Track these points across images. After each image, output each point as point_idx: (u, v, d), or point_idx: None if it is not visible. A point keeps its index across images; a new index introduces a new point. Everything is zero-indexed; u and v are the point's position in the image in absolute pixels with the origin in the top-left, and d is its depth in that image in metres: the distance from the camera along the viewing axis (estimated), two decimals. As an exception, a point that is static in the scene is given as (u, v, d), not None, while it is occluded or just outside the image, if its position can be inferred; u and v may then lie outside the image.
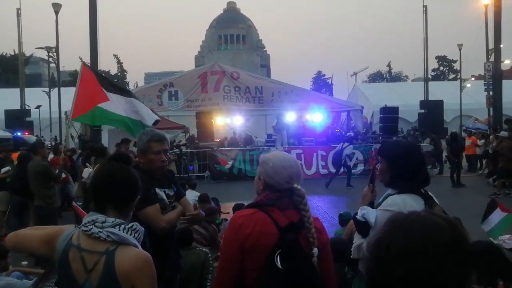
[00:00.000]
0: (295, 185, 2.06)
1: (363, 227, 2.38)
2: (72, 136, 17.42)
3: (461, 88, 31.24)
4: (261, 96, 22.55)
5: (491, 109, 22.71)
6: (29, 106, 26.41)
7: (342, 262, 3.34)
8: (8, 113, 22.86)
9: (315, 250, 2.00)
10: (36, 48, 28.44)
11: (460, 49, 32.52)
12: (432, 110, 22.28)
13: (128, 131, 7.50)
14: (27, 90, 28.09)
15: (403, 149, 2.55)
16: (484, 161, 16.78)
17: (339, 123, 23.27)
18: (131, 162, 1.87)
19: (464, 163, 16.11)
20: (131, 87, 62.61)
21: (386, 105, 20.21)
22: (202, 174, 16.40)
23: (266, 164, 2.11)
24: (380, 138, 18.40)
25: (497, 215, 6.42)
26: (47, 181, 6.93)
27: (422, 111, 23.02)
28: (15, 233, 2.00)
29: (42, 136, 25.01)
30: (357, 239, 2.44)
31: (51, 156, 9.18)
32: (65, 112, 20.52)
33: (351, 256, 2.51)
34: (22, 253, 2.83)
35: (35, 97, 29.16)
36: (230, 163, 16.32)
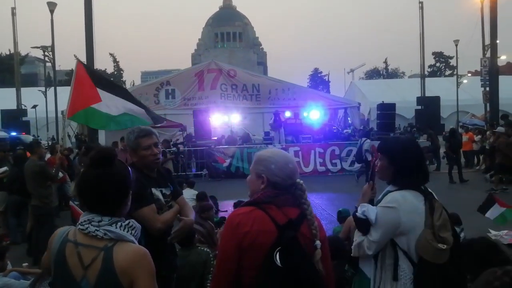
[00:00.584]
0: (297, 180, 2.08)
1: (364, 224, 2.37)
2: (69, 136, 17.38)
3: (458, 84, 31.32)
4: (258, 94, 22.53)
5: (487, 104, 22.78)
6: (25, 106, 26.31)
7: (339, 260, 3.33)
8: (5, 113, 22.78)
9: (318, 242, 2.00)
10: (32, 47, 28.31)
11: (456, 45, 32.60)
12: (429, 106, 22.36)
13: (121, 129, 7.46)
14: (23, 89, 27.97)
15: (403, 145, 2.53)
16: (481, 157, 16.81)
17: (336, 120, 23.28)
18: (113, 158, 1.79)
19: (461, 159, 16.14)
20: (127, 85, 62.43)
21: (383, 101, 20.26)
22: (200, 172, 16.39)
23: (267, 161, 2.09)
24: (375, 135, 18.41)
25: (496, 210, 6.44)
26: (44, 181, 6.90)
27: (419, 107, 23.09)
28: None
29: (39, 136, 24.90)
30: (358, 237, 2.42)
31: (48, 155, 9.14)
32: (62, 112, 20.45)
33: (351, 254, 2.49)
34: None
35: (31, 96, 29.03)
36: (228, 161, 16.30)
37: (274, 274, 1.84)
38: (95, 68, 16.48)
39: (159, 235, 2.86)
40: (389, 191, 2.43)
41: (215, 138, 18.73)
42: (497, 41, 20.62)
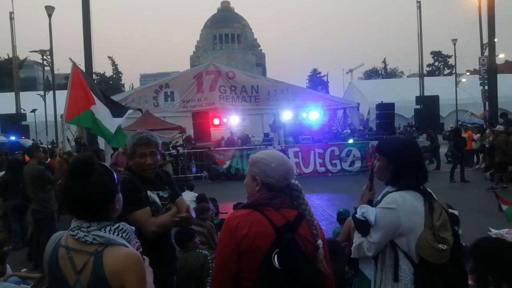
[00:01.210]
0: (293, 181, 2.07)
1: (363, 226, 2.36)
2: (68, 139, 17.36)
3: (457, 83, 31.35)
4: (257, 95, 22.54)
5: (486, 103, 22.78)
6: (24, 110, 26.30)
7: (335, 261, 3.33)
8: (4, 117, 22.73)
9: (320, 241, 2.00)
10: (30, 52, 28.39)
11: (454, 44, 32.63)
12: (428, 105, 22.35)
13: (104, 138, 7.54)
14: (22, 94, 27.97)
15: (401, 145, 2.52)
16: (480, 156, 16.81)
17: (336, 121, 23.30)
18: (92, 165, 1.76)
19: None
20: (126, 88, 62.49)
21: (382, 101, 20.24)
22: (199, 174, 16.38)
23: (260, 163, 2.08)
24: (373, 134, 18.43)
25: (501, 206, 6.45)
26: (43, 185, 6.89)
27: (418, 106, 23.08)
28: None
29: (39, 140, 24.88)
30: (357, 238, 2.41)
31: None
32: (61, 115, 20.45)
33: (351, 256, 2.48)
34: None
35: (30, 100, 29.06)
36: (228, 163, 16.30)
37: (273, 276, 1.83)
38: (93, 71, 16.48)
39: (153, 238, 2.83)
40: (388, 192, 2.42)
41: (215, 140, 18.73)
42: (495, 40, 20.61)
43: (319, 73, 79.76)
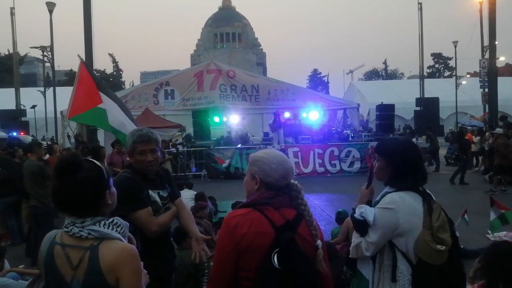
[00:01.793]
0: (292, 181, 2.06)
1: (362, 226, 2.36)
2: (68, 136, 17.36)
3: (457, 85, 31.32)
4: (257, 95, 22.52)
5: (486, 106, 22.78)
6: (24, 106, 26.30)
7: (331, 264, 3.34)
8: (3, 113, 22.74)
9: (319, 242, 2.00)
10: (31, 48, 28.33)
11: (455, 46, 32.62)
12: (428, 107, 22.36)
13: (115, 135, 7.47)
14: (22, 90, 27.96)
15: (401, 146, 2.53)
16: (480, 158, 16.82)
17: (336, 121, 23.28)
18: (78, 163, 1.74)
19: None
20: (127, 86, 62.49)
21: (382, 102, 20.24)
22: (199, 173, 16.38)
23: (260, 162, 2.07)
24: (373, 135, 18.44)
25: (494, 212, 6.45)
26: (42, 181, 6.89)
27: (418, 108, 23.08)
28: None
29: (44, 136, 24.84)
30: (356, 238, 2.42)
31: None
32: (61, 112, 20.42)
33: (349, 256, 2.49)
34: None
35: (30, 97, 29.02)
36: (227, 161, 16.29)
37: (272, 276, 1.83)
38: (94, 68, 16.48)
39: (155, 237, 2.84)
40: (387, 192, 2.42)
41: (214, 139, 18.73)
42: (496, 42, 20.62)
43: (320, 73, 79.85)
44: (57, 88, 25.36)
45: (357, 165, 16.24)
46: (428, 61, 66.43)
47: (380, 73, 76.78)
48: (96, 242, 1.69)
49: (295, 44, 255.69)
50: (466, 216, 6.13)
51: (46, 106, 26.81)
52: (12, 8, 25.54)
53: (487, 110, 23.31)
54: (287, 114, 19.68)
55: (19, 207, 8.09)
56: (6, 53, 54.09)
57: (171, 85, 22.19)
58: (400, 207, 2.31)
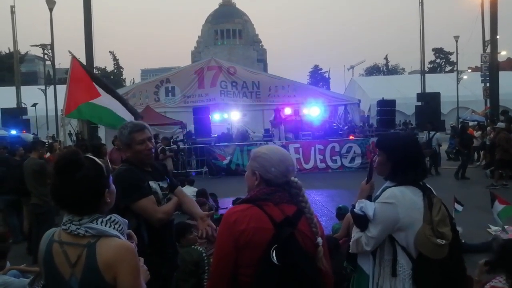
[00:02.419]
0: (292, 178, 2.04)
1: (362, 220, 2.35)
2: (70, 134, 17.36)
3: (458, 80, 31.26)
4: (258, 91, 22.52)
5: (487, 100, 22.71)
6: (25, 104, 26.29)
7: (333, 259, 3.33)
8: (4, 112, 22.73)
9: (320, 239, 1.99)
10: (31, 46, 28.32)
11: (456, 41, 32.54)
12: (429, 102, 22.24)
13: (113, 128, 7.45)
14: (23, 88, 27.97)
15: (401, 141, 2.52)
16: (481, 153, 16.80)
17: (337, 117, 23.28)
18: (79, 161, 1.74)
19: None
20: (127, 83, 62.47)
21: (383, 98, 20.19)
22: (200, 169, 16.39)
23: (261, 158, 2.06)
24: (374, 131, 18.43)
25: (496, 207, 6.44)
26: (43, 179, 6.89)
27: (419, 103, 22.99)
28: None
29: (52, 135, 24.81)
30: (356, 233, 2.41)
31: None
32: (62, 110, 20.43)
33: (349, 251, 2.48)
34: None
35: (31, 95, 29.03)
36: (228, 158, 16.30)
37: (271, 272, 1.82)
38: (94, 66, 16.45)
39: (160, 225, 2.83)
40: (388, 187, 2.41)
41: (215, 135, 18.73)
42: (497, 37, 20.53)
43: (321, 69, 79.63)
44: (58, 86, 25.34)
45: (358, 160, 16.22)
46: (429, 56, 66.35)
47: (381, 68, 76.57)
48: (94, 239, 1.69)
49: (296, 40, 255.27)
50: (456, 206, 6.11)
51: (47, 104, 26.83)
52: (12, 7, 25.52)
53: (488, 105, 23.24)
54: (288, 110, 19.66)
55: (20, 205, 8.10)
56: (7, 51, 54.11)
57: (172, 82, 22.19)
58: (400, 201, 2.30)
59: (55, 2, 22.42)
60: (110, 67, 68.39)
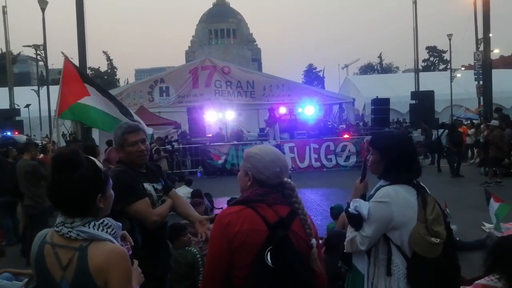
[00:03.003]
0: (285, 179, 2.02)
1: (356, 220, 2.35)
2: (64, 135, 17.26)
3: (452, 78, 31.36)
4: (253, 90, 22.50)
5: (481, 98, 22.84)
6: (18, 105, 26.13)
7: (336, 256, 3.31)
8: (-3, 113, 22.59)
9: (314, 241, 1.97)
10: (24, 46, 28.13)
11: (450, 40, 32.66)
12: (423, 100, 22.35)
13: (104, 129, 7.40)
14: (15, 89, 27.78)
15: (395, 139, 2.52)
16: (475, 150, 16.87)
17: (331, 116, 23.30)
18: (77, 160, 1.71)
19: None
20: (121, 83, 62.16)
21: (377, 97, 20.26)
22: (195, 169, 16.34)
23: (253, 158, 2.04)
24: (368, 130, 18.50)
25: (492, 206, 6.45)
26: (37, 181, 6.84)
27: (413, 102, 23.09)
28: None
29: (46, 136, 24.68)
30: (350, 233, 2.41)
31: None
32: (55, 111, 20.30)
33: (344, 250, 2.47)
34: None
35: (24, 96, 28.83)
36: (223, 158, 16.27)
37: (265, 274, 1.81)
38: (88, 66, 16.36)
39: (154, 228, 2.81)
40: (382, 186, 2.41)
41: (210, 135, 18.69)
42: (490, 35, 20.66)
43: (315, 68, 79.67)
44: (51, 87, 25.18)
45: (353, 159, 16.24)
46: (423, 54, 66.49)
47: (375, 67, 76.69)
48: (86, 243, 1.66)
49: (290, 39, 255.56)
50: (447, 210, 6.13)
51: (40, 105, 26.65)
52: (4, 7, 25.37)
53: (481, 103, 23.36)
54: (282, 110, 19.63)
55: (14, 207, 8.03)
56: (-1, 52, 53.67)
57: (166, 82, 22.12)
58: (394, 200, 2.30)
59: (47, 2, 22.27)
60: (103, 67, 68.11)
